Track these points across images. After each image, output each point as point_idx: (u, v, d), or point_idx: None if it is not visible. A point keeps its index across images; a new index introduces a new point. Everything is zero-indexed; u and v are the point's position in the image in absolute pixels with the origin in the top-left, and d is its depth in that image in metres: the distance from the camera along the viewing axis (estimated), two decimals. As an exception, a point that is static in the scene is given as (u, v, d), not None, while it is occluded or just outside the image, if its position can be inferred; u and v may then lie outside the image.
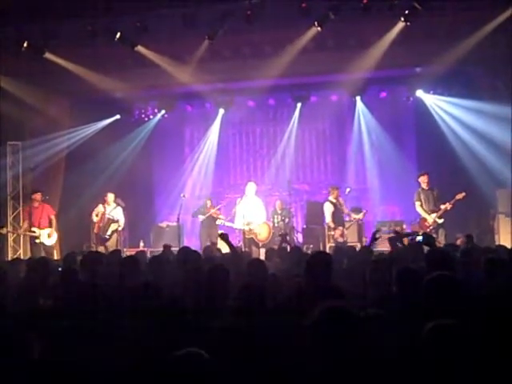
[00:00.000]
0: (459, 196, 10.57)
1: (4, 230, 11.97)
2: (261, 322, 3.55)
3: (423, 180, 10.94)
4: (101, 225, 11.76)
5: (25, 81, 11.40)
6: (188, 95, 13.69)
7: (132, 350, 3.08)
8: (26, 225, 11.62)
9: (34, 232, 11.43)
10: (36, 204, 11.51)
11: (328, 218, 11.45)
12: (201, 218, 12.24)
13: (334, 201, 11.50)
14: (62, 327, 3.00)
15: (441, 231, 10.67)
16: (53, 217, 11.65)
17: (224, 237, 6.55)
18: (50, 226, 11.57)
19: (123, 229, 12.31)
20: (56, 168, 12.93)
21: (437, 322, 2.80)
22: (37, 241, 11.43)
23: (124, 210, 12.29)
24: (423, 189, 10.97)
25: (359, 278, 5.31)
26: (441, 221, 10.72)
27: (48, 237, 11.50)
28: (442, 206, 10.69)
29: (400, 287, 4.19)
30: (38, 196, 11.54)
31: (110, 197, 11.93)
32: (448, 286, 3.44)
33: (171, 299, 3.88)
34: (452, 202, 10.60)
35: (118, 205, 12.09)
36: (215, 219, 12.02)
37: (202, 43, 11.03)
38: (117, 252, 8.07)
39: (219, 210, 12.35)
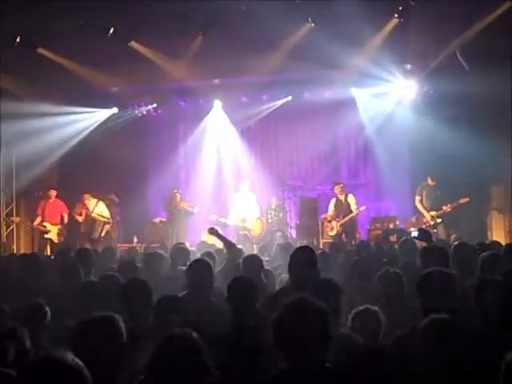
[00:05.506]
0: (463, 200, 10.55)
1: (17, 219, 12.11)
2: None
3: (431, 177, 10.92)
4: (87, 222, 11.72)
5: (18, 76, 11.34)
6: (182, 91, 13.61)
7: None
8: (38, 219, 11.70)
9: (45, 227, 11.56)
10: (50, 200, 11.77)
11: (329, 211, 11.74)
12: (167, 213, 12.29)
13: (338, 196, 11.73)
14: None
15: (440, 228, 10.65)
16: (65, 214, 11.83)
17: (214, 231, 6.40)
18: (62, 223, 11.71)
19: (117, 224, 12.27)
20: (50, 164, 12.85)
21: (432, 317, 2.82)
22: (46, 236, 11.57)
23: (117, 206, 12.23)
24: (428, 184, 10.94)
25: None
26: (439, 220, 10.72)
27: (57, 235, 11.60)
28: (444, 207, 10.67)
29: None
30: (53, 193, 11.85)
31: (87, 197, 11.87)
32: (444, 282, 3.45)
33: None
34: (454, 205, 10.58)
35: (100, 200, 12.04)
36: (185, 214, 11.99)
37: (196, 39, 11.01)
38: (111, 249, 8.07)
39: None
